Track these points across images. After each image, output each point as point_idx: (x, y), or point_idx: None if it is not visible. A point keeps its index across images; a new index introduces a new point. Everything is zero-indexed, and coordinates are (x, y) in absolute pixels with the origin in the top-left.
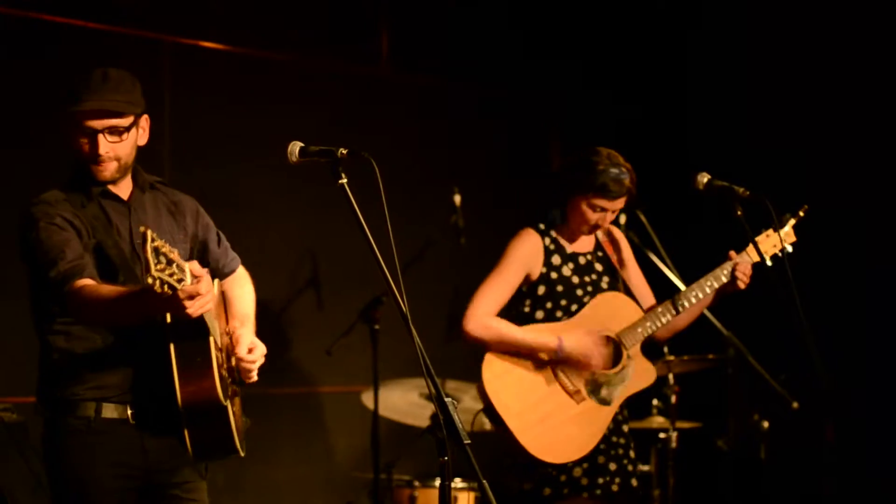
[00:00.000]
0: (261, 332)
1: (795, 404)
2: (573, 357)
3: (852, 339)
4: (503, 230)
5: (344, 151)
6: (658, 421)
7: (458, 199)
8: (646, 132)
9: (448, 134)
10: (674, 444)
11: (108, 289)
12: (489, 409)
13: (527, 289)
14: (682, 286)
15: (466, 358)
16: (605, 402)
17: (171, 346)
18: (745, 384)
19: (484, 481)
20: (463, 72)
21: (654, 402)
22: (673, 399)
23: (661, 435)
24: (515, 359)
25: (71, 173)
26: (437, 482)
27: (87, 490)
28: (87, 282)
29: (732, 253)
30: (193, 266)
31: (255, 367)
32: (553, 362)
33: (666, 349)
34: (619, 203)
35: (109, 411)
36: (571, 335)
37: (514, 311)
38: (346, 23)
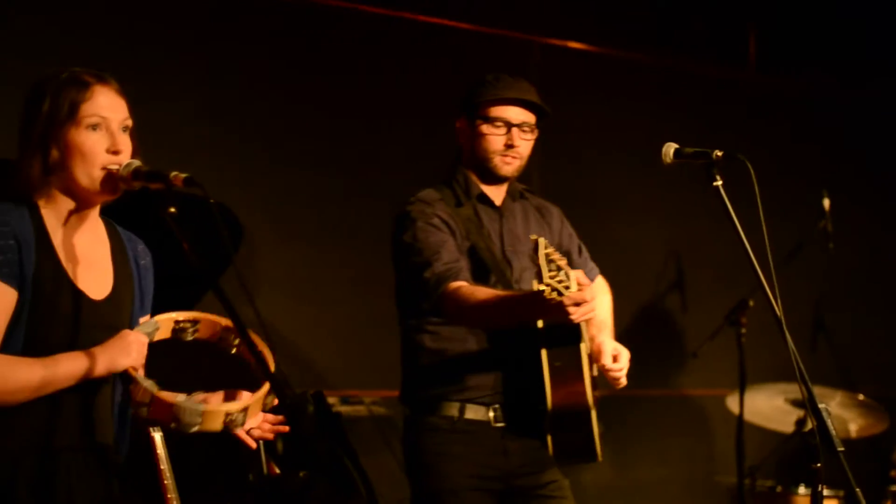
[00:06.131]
0: (625, 333)
1: None
2: None
3: None
4: (873, 236)
5: (719, 153)
6: None
7: (827, 203)
8: None
9: (817, 137)
10: None
11: (485, 291)
12: None
13: None
14: None
15: (831, 364)
16: None
17: (544, 351)
18: None
19: (857, 489)
20: (830, 74)
21: None
22: None
23: None
24: None
25: (447, 174)
26: (800, 489)
27: (446, 489)
28: (462, 284)
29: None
30: (579, 275)
31: (622, 375)
32: None
33: None
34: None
35: (473, 412)
36: None
37: None
38: (713, 25)
